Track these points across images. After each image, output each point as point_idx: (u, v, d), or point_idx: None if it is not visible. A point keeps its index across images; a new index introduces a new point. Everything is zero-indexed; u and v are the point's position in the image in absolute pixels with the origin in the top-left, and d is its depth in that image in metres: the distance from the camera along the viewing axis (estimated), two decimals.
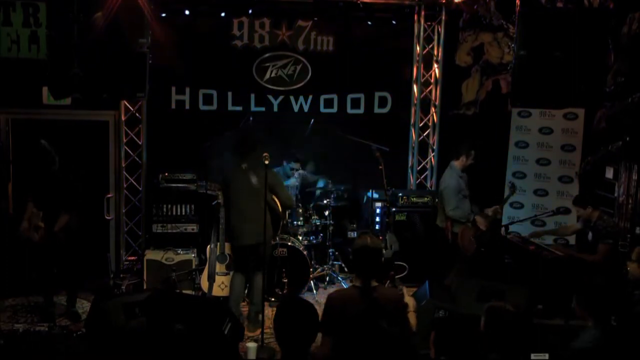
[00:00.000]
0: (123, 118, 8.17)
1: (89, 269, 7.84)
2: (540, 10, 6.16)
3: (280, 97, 8.72)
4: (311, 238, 7.99)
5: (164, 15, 7.97)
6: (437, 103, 8.84)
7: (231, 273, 7.14)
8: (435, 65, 8.83)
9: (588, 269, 6.53)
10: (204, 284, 7.14)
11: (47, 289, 6.75)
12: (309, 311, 3.48)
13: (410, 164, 9.06)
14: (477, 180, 7.92)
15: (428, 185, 8.99)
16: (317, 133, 8.37)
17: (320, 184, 8.45)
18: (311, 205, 8.17)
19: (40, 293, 6.85)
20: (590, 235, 6.86)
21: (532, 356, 4.46)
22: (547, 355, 4.20)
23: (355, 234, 8.29)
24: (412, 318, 4.15)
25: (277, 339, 3.53)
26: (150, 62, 6.14)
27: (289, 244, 7.43)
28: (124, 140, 8.21)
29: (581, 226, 7.13)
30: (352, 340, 3.93)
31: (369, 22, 8.54)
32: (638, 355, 4.25)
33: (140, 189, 8.28)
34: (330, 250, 8.19)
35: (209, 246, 7.23)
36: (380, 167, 7.03)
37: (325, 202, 8.11)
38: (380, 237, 7.21)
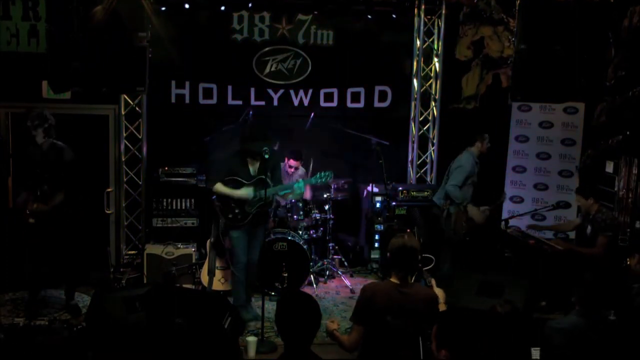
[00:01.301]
0: (123, 112, 8.17)
1: (89, 263, 7.86)
2: (541, 4, 6.15)
3: (280, 91, 8.71)
4: (311, 232, 7.99)
5: (163, 9, 7.96)
6: (437, 97, 8.83)
7: (231, 267, 7.16)
8: (436, 59, 8.81)
9: (587, 262, 6.53)
10: (204, 278, 7.15)
11: (35, 284, 6.68)
12: (310, 304, 3.48)
13: (410, 158, 9.06)
14: (477, 176, 7.92)
15: (428, 179, 8.99)
16: (317, 127, 8.37)
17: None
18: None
19: (27, 287, 6.80)
20: (589, 228, 6.86)
21: (532, 350, 4.49)
22: None
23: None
24: (442, 308, 4.31)
25: (279, 332, 3.54)
26: (150, 56, 6.14)
27: (289, 238, 7.43)
28: (124, 135, 8.21)
29: (581, 221, 7.13)
30: (379, 331, 4.10)
31: (369, 16, 8.53)
32: (636, 348, 4.27)
33: (140, 183, 8.28)
34: (331, 244, 8.19)
35: (209, 240, 7.24)
36: (380, 161, 7.03)
37: (325, 196, 8.10)
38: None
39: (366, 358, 4.29)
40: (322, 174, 6.25)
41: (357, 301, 4.32)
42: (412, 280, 4.38)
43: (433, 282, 4.53)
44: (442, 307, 4.34)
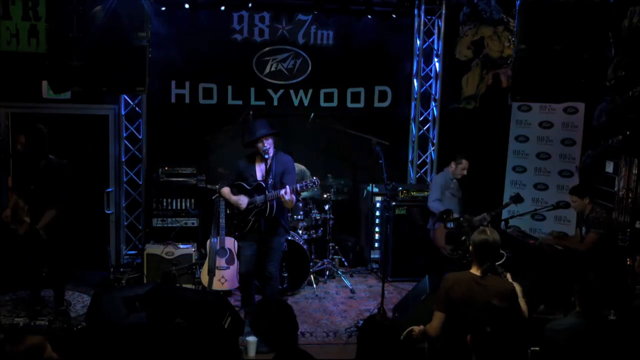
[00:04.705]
0: (123, 112, 8.17)
1: (89, 263, 7.87)
2: (541, 4, 6.15)
3: (280, 91, 8.71)
4: (311, 232, 7.99)
5: (163, 9, 7.96)
6: (437, 97, 8.83)
7: (231, 267, 7.16)
8: (436, 59, 8.81)
9: (585, 262, 6.53)
10: (204, 278, 7.15)
11: (35, 285, 6.64)
12: (282, 309, 3.54)
13: (410, 158, 9.05)
14: (477, 176, 7.92)
15: (428, 179, 8.98)
16: (317, 127, 8.36)
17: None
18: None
19: (28, 288, 6.77)
20: (584, 229, 6.87)
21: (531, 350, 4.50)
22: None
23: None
24: (522, 303, 4.43)
25: (263, 341, 3.62)
26: (150, 56, 6.14)
27: (289, 238, 7.42)
28: (124, 135, 8.20)
29: (579, 233, 7.12)
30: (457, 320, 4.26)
31: (369, 16, 8.53)
32: (634, 347, 4.28)
33: (141, 183, 8.28)
34: (330, 244, 8.19)
35: (208, 240, 7.24)
36: (380, 161, 7.03)
37: (325, 196, 8.10)
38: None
39: (446, 347, 4.44)
40: (308, 182, 6.14)
41: (439, 290, 4.51)
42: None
43: (508, 276, 4.61)
44: (522, 302, 4.43)
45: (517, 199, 7.33)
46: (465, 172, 7.43)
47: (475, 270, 4.43)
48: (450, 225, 7.21)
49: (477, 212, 7.32)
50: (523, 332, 3.75)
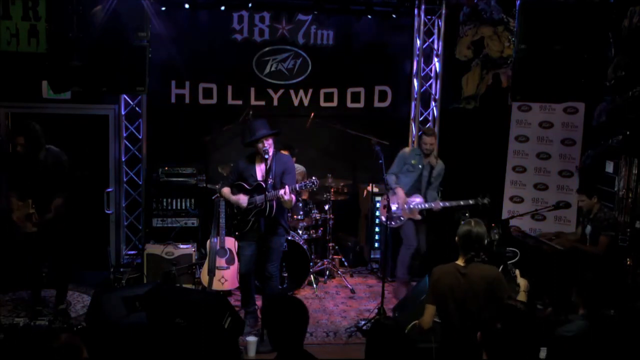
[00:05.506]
0: (123, 112, 8.17)
1: (89, 263, 7.87)
2: (541, 4, 6.15)
3: (280, 91, 8.71)
4: (311, 232, 7.98)
5: (163, 9, 7.96)
6: (437, 97, 8.82)
7: (231, 267, 7.16)
8: (436, 59, 8.81)
9: (587, 262, 6.53)
10: (204, 278, 7.15)
11: (36, 285, 6.64)
12: (296, 307, 3.52)
13: None
14: (477, 175, 7.90)
15: None
16: (317, 127, 8.36)
17: None
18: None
19: (29, 288, 6.76)
20: (588, 228, 6.86)
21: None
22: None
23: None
24: (522, 297, 4.53)
25: (268, 336, 3.59)
26: (150, 56, 6.14)
27: (289, 238, 7.42)
28: (124, 135, 8.20)
29: (581, 220, 7.12)
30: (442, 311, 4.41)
31: (369, 16, 8.53)
32: (634, 347, 4.28)
33: (141, 183, 8.28)
34: (330, 244, 8.19)
35: (209, 240, 7.23)
36: (380, 161, 7.03)
37: (325, 196, 8.10)
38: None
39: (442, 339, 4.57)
40: (307, 182, 6.14)
41: (428, 284, 4.72)
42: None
43: (517, 272, 4.71)
44: (522, 297, 4.53)
45: (482, 202, 7.18)
46: (427, 147, 7.27)
47: (460, 261, 4.54)
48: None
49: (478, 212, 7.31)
50: (533, 329, 3.73)
